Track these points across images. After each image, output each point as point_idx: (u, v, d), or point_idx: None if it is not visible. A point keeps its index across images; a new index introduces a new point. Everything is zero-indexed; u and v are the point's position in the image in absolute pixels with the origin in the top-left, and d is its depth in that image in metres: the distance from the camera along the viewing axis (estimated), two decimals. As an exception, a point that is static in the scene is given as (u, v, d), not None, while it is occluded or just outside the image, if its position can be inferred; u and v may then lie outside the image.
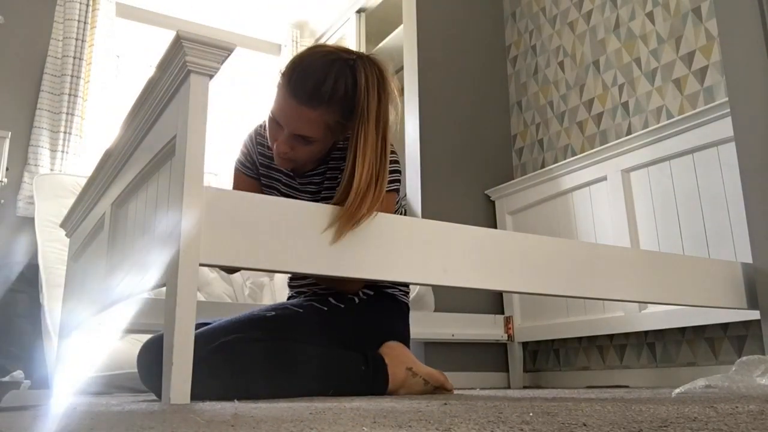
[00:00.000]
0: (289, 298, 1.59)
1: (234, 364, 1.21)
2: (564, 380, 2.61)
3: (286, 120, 1.32)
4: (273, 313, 1.34)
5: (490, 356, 2.74)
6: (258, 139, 1.54)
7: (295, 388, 1.25)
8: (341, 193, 1.20)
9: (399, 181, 1.41)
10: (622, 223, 2.29)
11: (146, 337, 1.45)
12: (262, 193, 1.53)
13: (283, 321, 1.33)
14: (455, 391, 1.48)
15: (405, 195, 2.83)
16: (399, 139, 3.54)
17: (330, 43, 3.69)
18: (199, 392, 0.96)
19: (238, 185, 1.55)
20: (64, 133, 2.84)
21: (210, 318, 1.40)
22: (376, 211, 1.19)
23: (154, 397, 1.29)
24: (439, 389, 1.42)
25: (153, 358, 1.25)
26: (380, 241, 1.16)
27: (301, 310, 1.37)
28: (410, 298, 1.59)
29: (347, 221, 1.14)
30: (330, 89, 1.28)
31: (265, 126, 1.53)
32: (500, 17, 3.27)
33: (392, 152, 1.35)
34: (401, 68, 3.14)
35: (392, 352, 1.39)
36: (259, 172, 1.54)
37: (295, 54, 1.62)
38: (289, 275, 1.60)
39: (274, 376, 1.24)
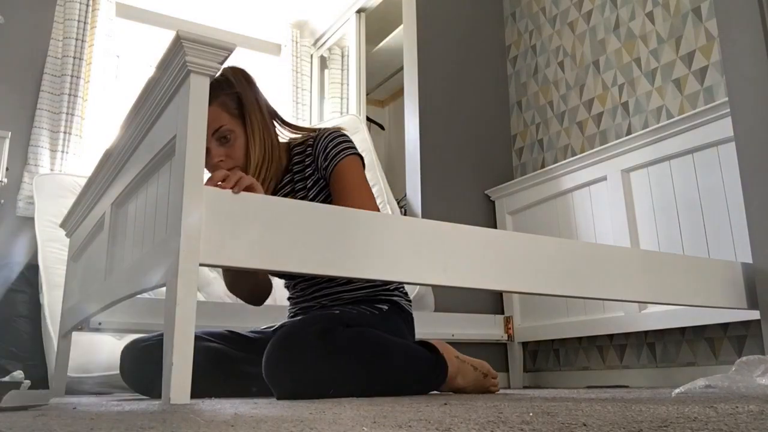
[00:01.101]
0: (291, 317, 1.57)
1: (334, 348, 1.22)
2: (564, 380, 2.61)
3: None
4: (337, 311, 1.36)
5: (490, 356, 2.73)
6: None
7: (388, 375, 1.27)
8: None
9: (353, 147, 1.46)
10: (622, 223, 2.29)
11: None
12: None
13: (351, 317, 1.34)
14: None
15: (405, 195, 2.83)
16: (399, 138, 3.54)
17: (330, 42, 3.70)
18: (302, 378, 1.08)
19: None
20: (64, 133, 2.83)
21: (208, 327, 1.41)
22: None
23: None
24: (487, 377, 1.47)
25: (134, 360, 1.28)
26: (380, 241, 1.16)
27: (354, 311, 1.39)
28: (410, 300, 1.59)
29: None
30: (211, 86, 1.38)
31: None
32: (500, 17, 3.27)
33: (339, 129, 1.47)
34: (401, 68, 3.13)
35: (436, 343, 1.42)
36: None
37: (294, 54, 1.65)
38: (288, 294, 1.59)
39: (371, 361, 1.26)
